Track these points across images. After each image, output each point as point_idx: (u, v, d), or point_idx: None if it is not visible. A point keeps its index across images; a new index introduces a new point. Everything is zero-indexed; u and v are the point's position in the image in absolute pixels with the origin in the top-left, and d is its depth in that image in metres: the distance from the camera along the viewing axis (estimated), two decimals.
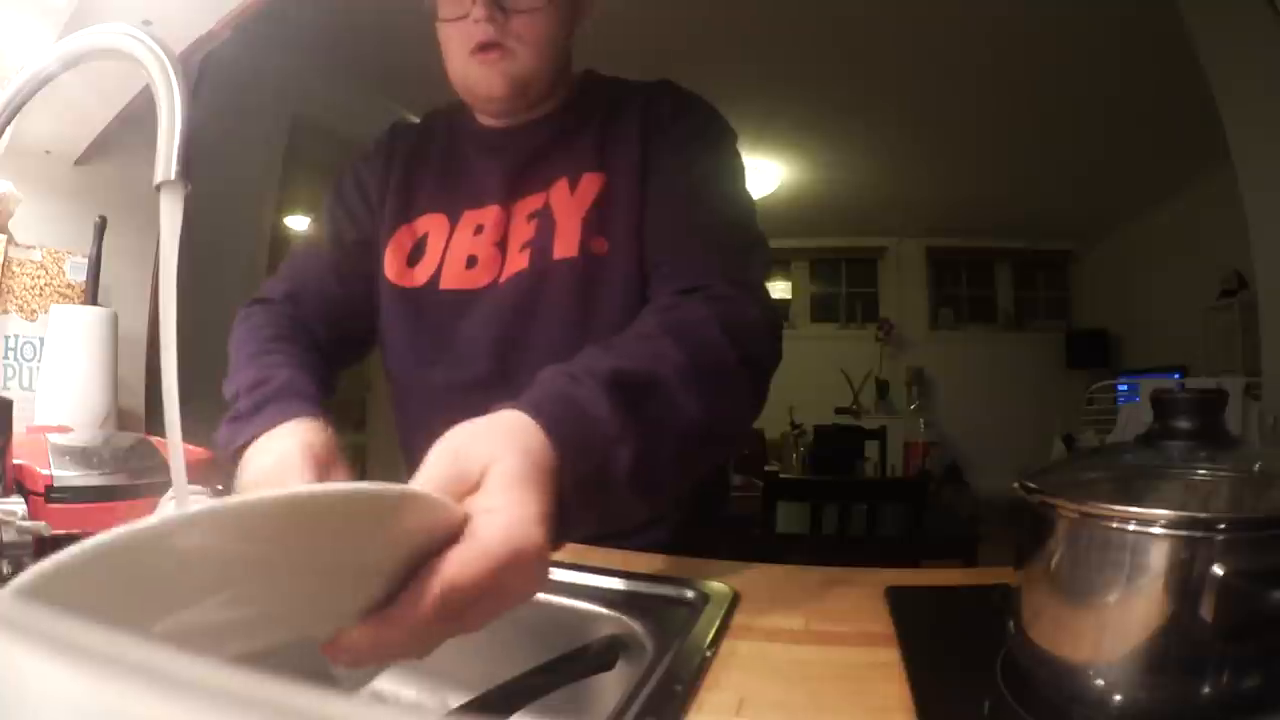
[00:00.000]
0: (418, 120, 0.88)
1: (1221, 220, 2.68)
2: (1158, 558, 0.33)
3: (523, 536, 0.35)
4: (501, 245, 0.75)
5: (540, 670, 0.45)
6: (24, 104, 0.45)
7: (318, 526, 0.28)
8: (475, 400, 0.71)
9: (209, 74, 1.58)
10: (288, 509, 0.27)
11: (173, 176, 0.38)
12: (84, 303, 1.31)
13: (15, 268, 1.29)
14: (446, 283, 0.75)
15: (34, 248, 1.32)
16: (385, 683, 0.64)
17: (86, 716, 0.10)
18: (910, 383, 5.57)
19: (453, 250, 0.76)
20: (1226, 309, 3.76)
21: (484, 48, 0.70)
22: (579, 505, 0.41)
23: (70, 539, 0.21)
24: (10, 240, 1.28)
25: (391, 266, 0.78)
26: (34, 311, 1.30)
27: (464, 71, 0.73)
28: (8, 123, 0.44)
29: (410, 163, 0.82)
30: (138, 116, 1.17)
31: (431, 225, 0.78)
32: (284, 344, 0.69)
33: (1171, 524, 0.33)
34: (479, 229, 0.76)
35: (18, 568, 0.58)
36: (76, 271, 1.35)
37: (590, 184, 0.73)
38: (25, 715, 0.11)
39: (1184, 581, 0.32)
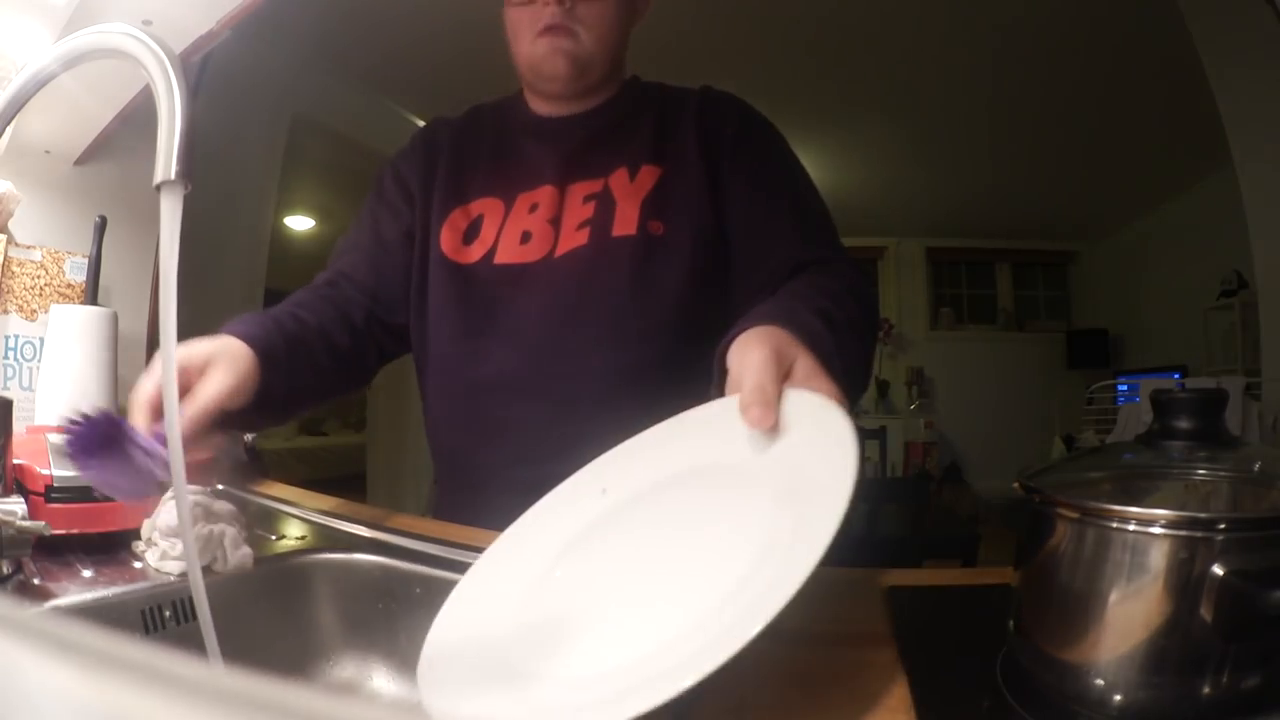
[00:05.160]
0: (456, 116, 0.91)
1: (1221, 220, 2.68)
2: (1158, 558, 0.33)
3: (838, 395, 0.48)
4: (555, 222, 0.78)
5: None
6: (24, 104, 0.45)
7: None
8: (527, 369, 0.74)
9: (209, 74, 1.58)
10: None
11: (173, 176, 0.38)
12: (84, 303, 1.31)
13: (15, 268, 1.29)
14: (501, 257, 0.78)
15: (34, 248, 1.32)
16: (384, 682, 0.64)
17: (86, 716, 0.10)
18: (910, 383, 5.56)
19: (508, 228, 0.79)
20: (1226, 309, 3.76)
21: (550, 29, 0.76)
22: None
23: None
24: (10, 240, 1.28)
25: (448, 243, 0.81)
26: (34, 311, 1.30)
27: (530, 51, 0.78)
28: (8, 123, 0.44)
29: (460, 152, 0.85)
30: (138, 116, 1.17)
31: (486, 208, 0.81)
32: (294, 306, 0.75)
33: (1171, 524, 0.33)
34: (534, 207, 0.79)
35: (18, 568, 0.58)
36: (76, 271, 1.35)
37: (649, 174, 0.79)
38: (25, 715, 0.11)
39: (1184, 581, 0.32)
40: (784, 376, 0.48)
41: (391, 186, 0.86)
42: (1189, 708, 0.33)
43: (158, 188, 0.38)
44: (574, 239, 0.77)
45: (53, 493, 0.65)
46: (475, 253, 0.80)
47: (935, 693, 0.40)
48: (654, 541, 0.47)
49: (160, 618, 0.58)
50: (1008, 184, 4.38)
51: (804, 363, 0.49)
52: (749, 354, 0.49)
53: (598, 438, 0.55)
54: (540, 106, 0.84)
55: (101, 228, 1.31)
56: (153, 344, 1.44)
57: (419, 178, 0.85)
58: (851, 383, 0.56)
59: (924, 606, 0.54)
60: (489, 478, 0.77)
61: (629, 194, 0.78)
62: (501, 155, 0.84)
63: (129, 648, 0.11)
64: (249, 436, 1.22)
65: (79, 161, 1.37)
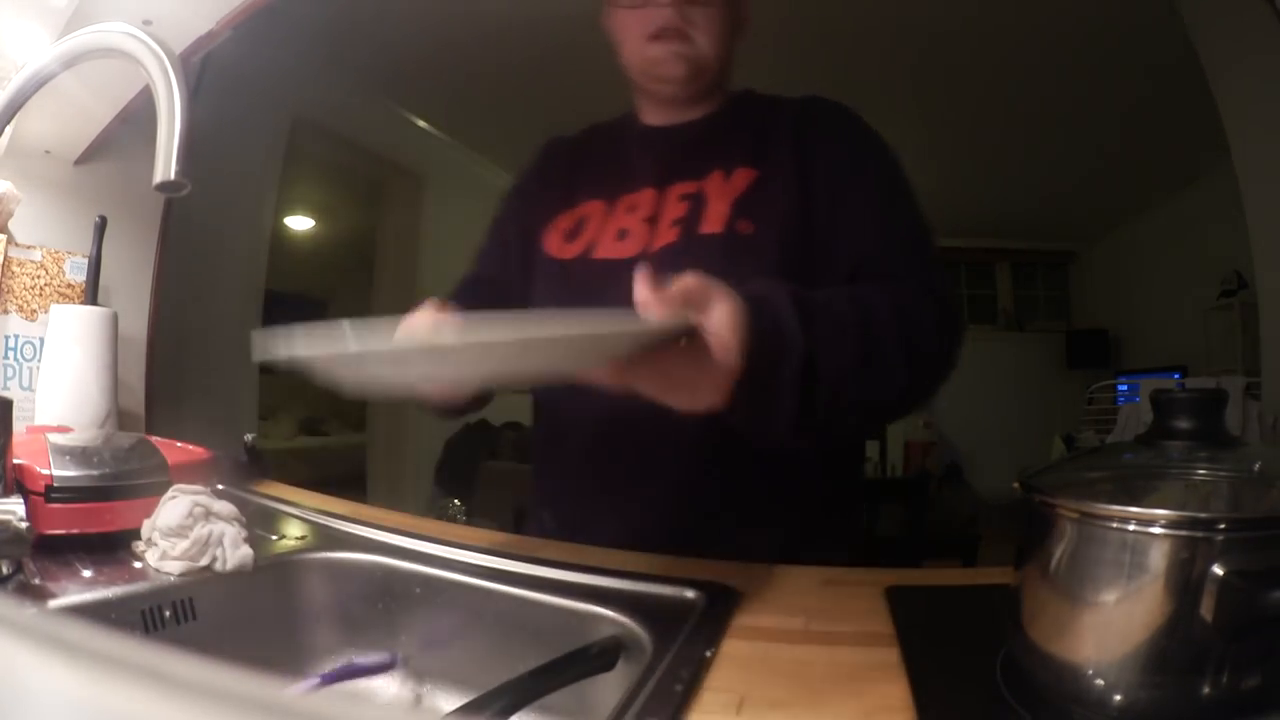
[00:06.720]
0: (572, 134, 0.96)
1: (1221, 220, 2.68)
2: (1158, 558, 0.33)
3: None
4: (652, 221, 0.80)
5: (540, 670, 0.45)
6: (24, 104, 0.45)
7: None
8: None
9: (209, 74, 1.58)
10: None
11: (173, 176, 0.38)
12: (84, 303, 1.31)
13: (15, 268, 1.29)
14: (599, 253, 0.81)
15: (34, 248, 1.32)
16: (384, 682, 0.64)
17: (86, 716, 0.10)
18: None
19: (608, 227, 0.82)
20: (1226, 309, 3.75)
21: (664, 32, 0.76)
22: (747, 399, 0.51)
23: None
24: (10, 240, 1.28)
25: (552, 242, 0.84)
26: (34, 311, 1.30)
27: (642, 54, 0.79)
28: (7, 123, 0.44)
29: (572, 162, 0.90)
30: (138, 116, 1.17)
31: (591, 210, 0.85)
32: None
33: (1171, 524, 0.33)
34: (632, 208, 0.82)
35: (18, 568, 0.58)
36: (76, 271, 1.35)
37: (744, 176, 0.79)
38: (25, 715, 0.11)
39: (1184, 581, 0.32)
40: (698, 308, 0.50)
41: (514, 193, 0.93)
42: (1189, 708, 0.33)
43: (158, 188, 0.38)
44: (666, 235, 0.79)
45: (53, 493, 0.65)
46: (575, 249, 0.83)
47: (935, 693, 0.40)
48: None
49: (160, 618, 0.58)
50: (1008, 184, 4.37)
51: (719, 315, 0.50)
52: (703, 280, 0.51)
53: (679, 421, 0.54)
54: (651, 114, 0.87)
55: (101, 228, 1.31)
56: (153, 344, 1.44)
57: (537, 186, 0.91)
58: (811, 385, 0.53)
59: (924, 606, 0.54)
60: (582, 454, 0.81)
61: (721, 194, 0.79)
62: (608, 165, 0.87)
63: (129, 648, 0.11)
64: (249, 436, 1.22)
65: (79, 161, 1.37)
